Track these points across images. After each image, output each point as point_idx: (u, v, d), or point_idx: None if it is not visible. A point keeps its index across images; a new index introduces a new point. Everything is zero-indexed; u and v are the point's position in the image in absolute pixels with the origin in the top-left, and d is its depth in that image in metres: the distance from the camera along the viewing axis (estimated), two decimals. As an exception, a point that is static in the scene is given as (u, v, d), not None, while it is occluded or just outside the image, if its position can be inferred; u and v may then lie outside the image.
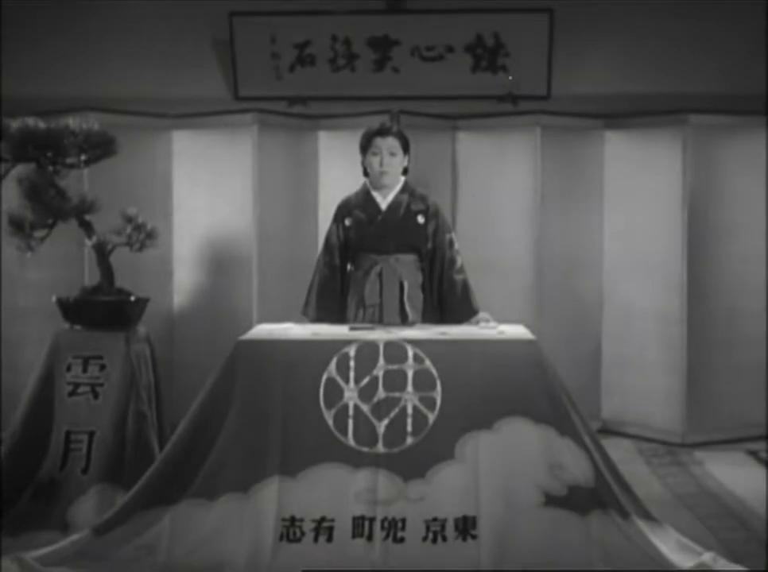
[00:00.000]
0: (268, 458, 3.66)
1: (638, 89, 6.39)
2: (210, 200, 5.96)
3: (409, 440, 3.68)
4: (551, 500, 3.63)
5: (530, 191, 6.00)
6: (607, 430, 6.12)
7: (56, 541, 3.74)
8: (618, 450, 5.33)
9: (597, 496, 3.64)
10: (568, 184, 6.09)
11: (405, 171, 4.49)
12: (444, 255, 4.43)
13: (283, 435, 3.68)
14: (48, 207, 4.36)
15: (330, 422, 3.69)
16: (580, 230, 6.15)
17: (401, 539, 3.59)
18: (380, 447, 3.67)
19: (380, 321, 4.30)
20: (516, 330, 4.09)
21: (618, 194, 6.13)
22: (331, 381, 3.71)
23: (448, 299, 4.41)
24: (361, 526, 3.61)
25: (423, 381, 3.71)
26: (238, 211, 5.89)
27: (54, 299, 4.44)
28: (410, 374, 3.71)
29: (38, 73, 6.39)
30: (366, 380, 3.72)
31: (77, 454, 4.22)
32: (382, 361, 3.73)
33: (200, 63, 6.52)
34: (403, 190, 4.47)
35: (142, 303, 4.49)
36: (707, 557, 3.60)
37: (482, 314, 4.38)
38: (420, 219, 4.44)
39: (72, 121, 4.43)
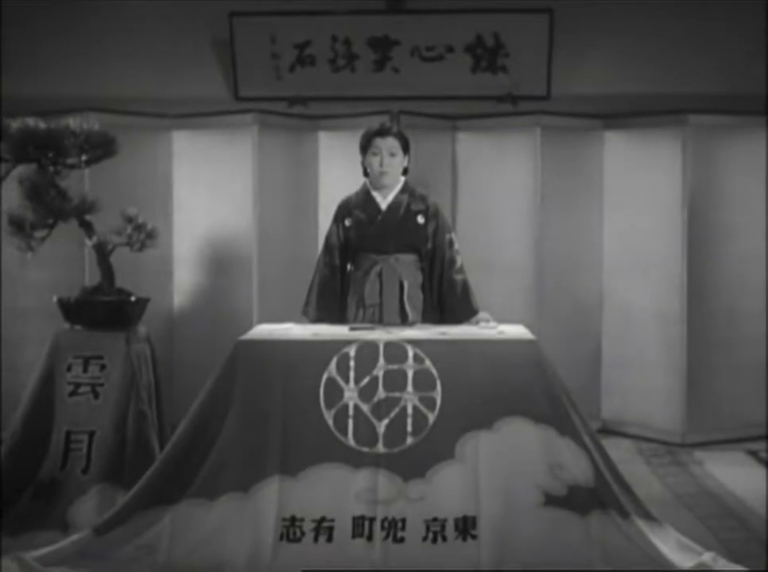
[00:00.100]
0: (268, 458, 3.66)
1: (638, 89, 6.39)
2: (210, 200, 5.96)
3: (409, 440, 3.69)
4: (551, 500, 3.63)
5: (530, 191, 6.00)
6: (607, 430, 6.12)
7: (56, 541, 3.74)
8: (618, 450, 5.33)
9: (597, 496, 3.64)
10: (567, 184, 6.09)
11: (405, 172, 4.49)
12: (443, 255, 4.43)
13: (283, 435, 3.68)
14: (49, 207, 4.36)
15: (330, 422, 3.69)
16: (580, 230, 6.15)
17: (401, 539, 3.59)
18: (380, 447, 3.68)
19: (380, 321, 4.30)
20: (516, 330, 4.09)
21: (618, 194, 6.14)
22: (331, 381, 3.72)
23: (447, 299, 4.42)
24: (361, 526, 3.61)
25: (423, 381, 3.71)
26: (238, 211, 5.89)
27: (55, 299, 4.44)
28: (410, 374, 3.72)
29: (38, 73, 6.40)
30: (366, 380, 3.72)
31: (77, 453, 4.22)
32: (382, 361, 3.73)
33: (200, 63, 6.52)
34: (403, 190, 4.47)
35: (143, 303, 4.49)
36: (707, 557, 3.60)
37: (482, 314, 4.39)
38: (420, 219, 4.44)
39: (73, 122, 4.43)
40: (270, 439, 3.68)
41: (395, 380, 3.71)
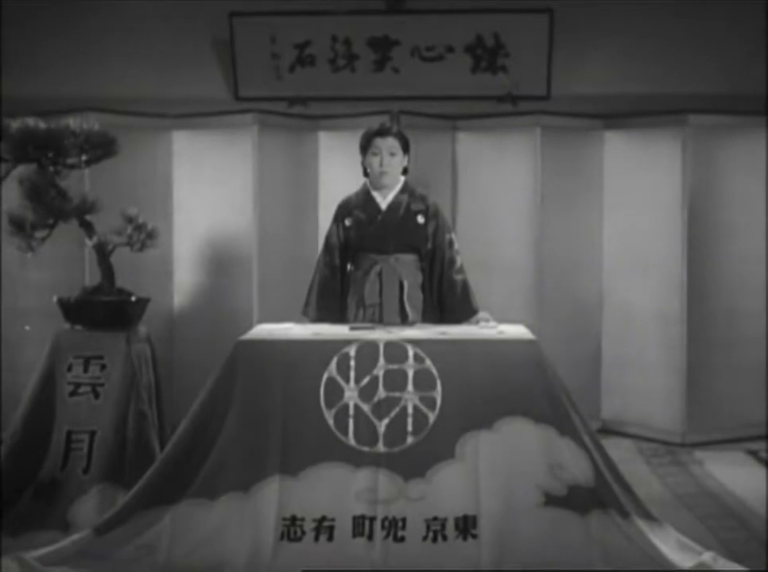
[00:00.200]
0: (268, 458, 3.67)
1: (637, 89, 6.39)
2: (210, 200, 5.96)
3: (410, 440, 3.69)
4: (551, 500, 3.63)
5: (530, 191, 6.00)
6: (607, 430, 6.12)
7: (56, 541, 3.74)
8: (618, 450, 5.33)
9: (597, 496, 3.64)
10: (567, 184, 6.09)
11: (404, 172, 4.49)
12: (443, 255, 4.43)
13: (283, 435, 3.69)
14: (49, 208, 4.36)
15: (330, 421, 3.69)
16: (580, 230, 6.16)
17: (402, 539, 3.60)
18: (380, 447, 3.68)
19: (380, 321, 4.30)
20: (516, 330, 4.09)
21: (618, 194, 6.14)
22: (331, 381, 3.72)
23: (447, 298, 4.42)
24: (361, 525, 3.61)
25: (423, 381, 3.71)
26: (238, 211, 5.89)
27: (55, 299, 4.44)
28: (410, 374, 3.72)
29: (38, 73, 6.40)
30: (366, 380, 3.72)
31: (78, 453, 4.23)
32: (382, 360, 3.74)
33: (200, 63, 6.52)
34: (403, 190, 4.47)
35: (143, 303, 4.49)
36: (707, 556, 3.60)
37: (481, 314, 4.39)
38: (420, 219, 4.44)
39: (73, 122, 4.44)
40: (270, 439, 3.69)
41: (395, 380, 3.71)
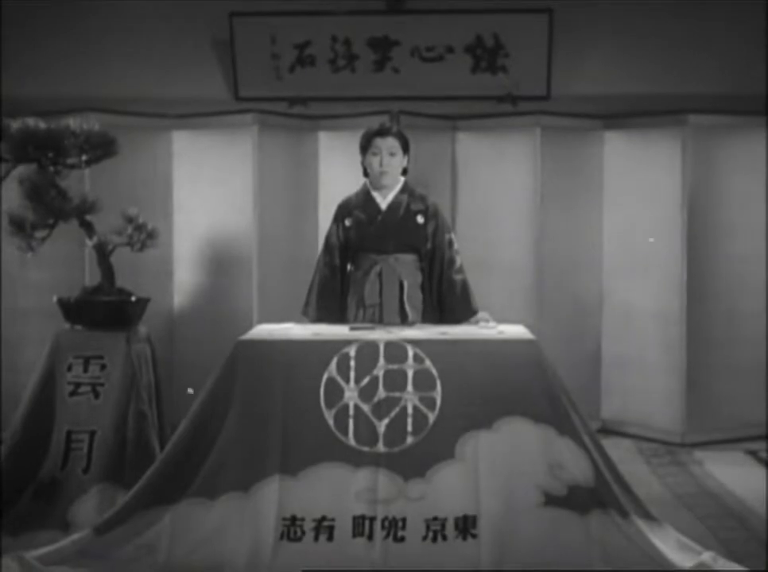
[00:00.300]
0: (268, 458, 3.67)
1: (637, 89, 6.39)
2: (210, 200, 5.97)
3: (410, 440, 3.69)
4: (551, 500, 3.63)
5: (530, 191, 6.00)
6: (607, 430, 6.13)
7: (56, 540, 3.74)
8: (618, 450, 5.33)
9: (597, 496, 3.64)
10: (567, 184, 6.09)
11: (404, 172, 4.49)
12: (443, 255, 4.44)
13: (283, 435, 3.69)
14: (49, 208, 4.37)
15: (330, 421, 3.69)
16: (580, 230, 6.16)
17: (402, 539, 3.60)
18: (380, 447, 3.68)
19: (380, 321, 4.30)
20: (516, 330, 4.09)
21: (617, 194, 6.14)
22: (331, 381, 3.72)
23: (447, 299, 4.42)
24: (361, 525, 3.61)
25: (423, 381, 3.71)
26: (238, 211, 5.89)
27: (55, 299, 4.44)
28: (410, 374, 3.72)
29: (38, 73, 6.39)
30: (366, 380, 3.72)
31: (78, 453, 4.23)
32: (382, 360, 3.74)
33: (200, 63, 6.52)
34: (403, 190, 4.47)
35: (143, 303, 4.49)
36: (707, 556, 3.60)
37: (481, 314, 4.39)
38: (420, 219, 4.44)
39: (73, 122, 4.44)
40: (270, 439, 3.69)
41: (395, 380, 3.72)
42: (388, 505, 3.63)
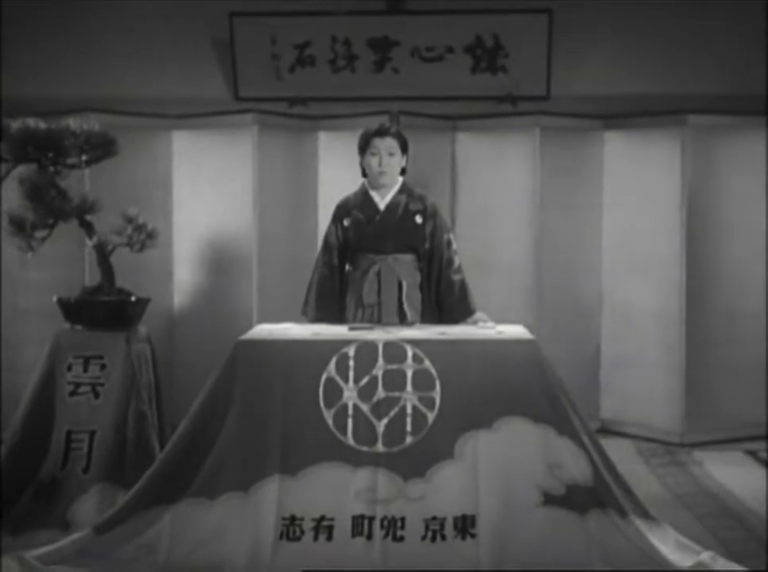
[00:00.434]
0: (268, 458, 3.67)
1: (637, 89, 6.39)
2: (210, 200, 5.97)
3: (409, 439, 3.69)
4: (550, 500, 3.63)
5: (530, 191, 6.00)
6: (607, 430, 6.13)
7: (56, 540, 3.74)
8: (617, 450, 5.30)
9: (596, 496, 3.65)
10: (567, 185, 6.10)
11: (403, 172, 4.50)
12: (441, 255, 4.44)
13: (283, 435, 3.69)
14: (49, 208, 4.37)
15: (329, 421, 3.70)
16: (580, 230, 6.16)
17: (401, 538, 3.60)
18: (379, 446, 3.68)
19: (379, 321, 4.31)
20: (515, 330, 4.09)
21: (617, 194, 6.14)
22: (330, 381, 3.72)
23: (445, 299, 4.42)
24: (361, 525, 3.62)
25: (422, 381, 3.71)
26: (238, 211, 5.89)
27: (55, 299, 4.44)
28: (409, 374, 3.72)
29: (38, 73, 6.40)
30: (365, 380, 3.72)
31: (78, 453, 4.23)
32: (381, 360, 3.74)
33: (200, 63, 6.52)
34: (401, 190, 4.48)
35: (143, 303, 4.50)
36: (706, 556, 3.60)
37: (479, 314, 4.39)
38: (419, 219, 4.45)
39: (73, 122, 4.44)
40: (270, 439, 3.69)
41: (394, 380, 3.72)
42: (387, 505, 3.63)
